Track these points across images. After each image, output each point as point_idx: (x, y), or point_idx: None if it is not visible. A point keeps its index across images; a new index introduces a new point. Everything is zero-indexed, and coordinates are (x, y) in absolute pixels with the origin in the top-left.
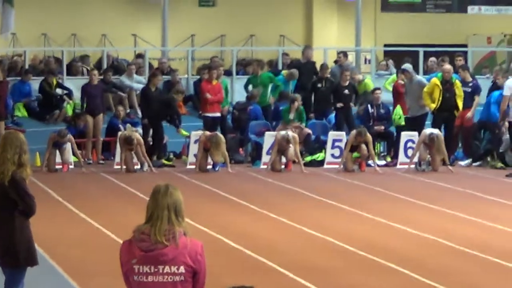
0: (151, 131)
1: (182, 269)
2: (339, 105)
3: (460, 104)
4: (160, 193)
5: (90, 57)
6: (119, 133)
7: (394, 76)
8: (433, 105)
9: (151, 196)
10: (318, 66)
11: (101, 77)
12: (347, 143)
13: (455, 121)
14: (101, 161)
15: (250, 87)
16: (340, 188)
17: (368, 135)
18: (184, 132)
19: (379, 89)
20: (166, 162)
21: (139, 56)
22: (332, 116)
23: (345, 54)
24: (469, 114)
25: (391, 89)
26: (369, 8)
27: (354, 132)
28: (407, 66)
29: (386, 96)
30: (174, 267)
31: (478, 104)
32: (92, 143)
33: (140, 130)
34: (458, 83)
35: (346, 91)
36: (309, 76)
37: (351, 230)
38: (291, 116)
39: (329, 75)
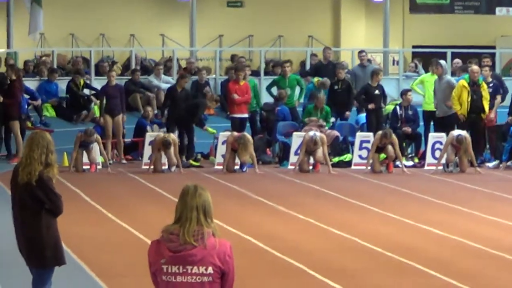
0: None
1: (210, 269)
2: (370, 106)
3: (486, 106)
4: (189, 194)
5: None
6: (148, 134)
7: (422, 76)
8: (463, 111)
9: (180, 196)
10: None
11: (130, 77)
12: (373, 144)
13: (482, 123)
14: (123, 161)
15: (274, 88)
16: (368, 189)
17: (394, 136)
18: (211, 130)
19: (410, 91)
20: (193, 163)
21: (169, 60)
22: (361, 116)
23: (365, 54)
24: (491, 115)
25: (418, 90)
26: (397, 9)
27: (379, 133)
28: (442, 61)
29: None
30: (202, 267)
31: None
32: (114, 143)
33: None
34: (484, 85)
35: (377, 92)
36: (331, 77)
37: (378, 231)
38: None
39: (345, 76)
